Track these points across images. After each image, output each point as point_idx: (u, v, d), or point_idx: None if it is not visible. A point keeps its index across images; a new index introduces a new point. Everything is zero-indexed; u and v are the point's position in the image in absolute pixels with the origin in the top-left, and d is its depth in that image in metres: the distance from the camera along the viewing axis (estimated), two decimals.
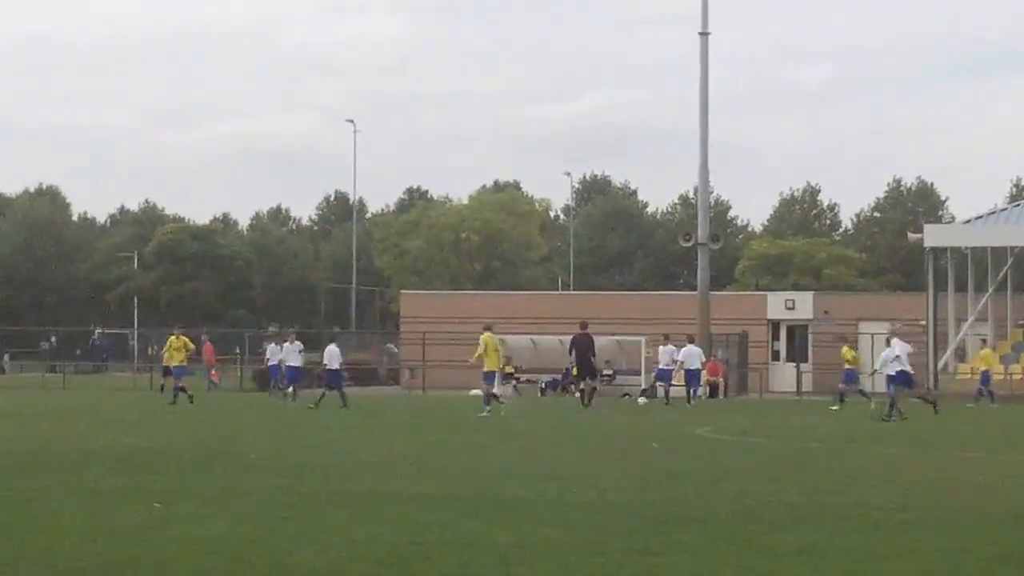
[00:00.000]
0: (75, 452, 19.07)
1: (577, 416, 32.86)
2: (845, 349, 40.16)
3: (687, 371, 40.58)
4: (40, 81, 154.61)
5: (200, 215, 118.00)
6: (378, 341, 73.41)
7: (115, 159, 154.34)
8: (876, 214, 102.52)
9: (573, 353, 37.13)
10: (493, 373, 33.76)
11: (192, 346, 39.55)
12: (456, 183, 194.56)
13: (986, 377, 41.75)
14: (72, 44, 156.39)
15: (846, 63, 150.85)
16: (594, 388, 36.99)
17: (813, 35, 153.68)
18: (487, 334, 33.98)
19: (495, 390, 33.60)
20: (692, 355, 40.74)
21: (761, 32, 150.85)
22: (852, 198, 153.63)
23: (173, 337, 38.25)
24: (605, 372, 51.19)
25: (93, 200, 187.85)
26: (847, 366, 39.40)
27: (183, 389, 36.18)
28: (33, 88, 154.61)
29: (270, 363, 43.67)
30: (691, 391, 40.50)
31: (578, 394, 37.37)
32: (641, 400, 42.77)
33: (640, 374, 49.48)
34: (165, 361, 38.29)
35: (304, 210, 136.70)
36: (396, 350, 63.69)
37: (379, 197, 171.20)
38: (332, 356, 37.15)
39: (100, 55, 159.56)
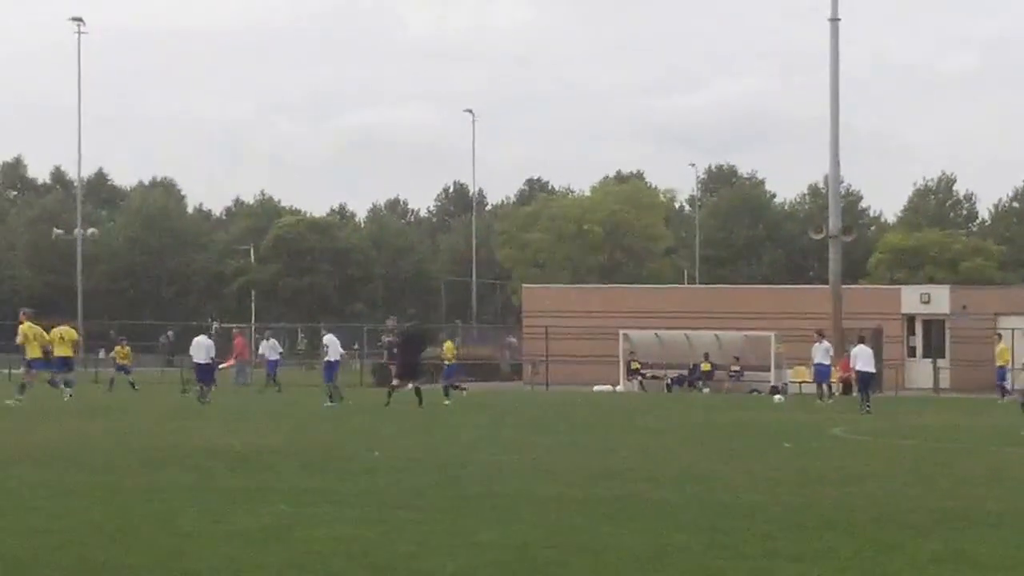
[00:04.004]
0: (196, 450, 19.02)
1: (707, 415, 32.37)
2: (448, 344, 39.57)
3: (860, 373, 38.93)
4: (155, 72, 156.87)
5: (317, 207, 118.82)
6: (499, 335, 73.27)
7: (229, 151, 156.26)
8: (1015, 204, 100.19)
9: (401, 351, 33.27)
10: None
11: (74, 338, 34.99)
12: (577, 175, 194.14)
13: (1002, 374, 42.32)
14: (191, 36, 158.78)
15: (985, 51, 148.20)
16: (419, 388, 32.25)
17: (951, 23, 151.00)
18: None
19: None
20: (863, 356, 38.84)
21: (898, 19, 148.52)
22: (989, 188, 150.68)
23: (65, 328, 34.43)
24: (733, 368, 50.56)
25: (208, 192, 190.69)
26: (447, 362, 39.65)
27: (52, 383, 32.83)
28: (148, 79, 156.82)
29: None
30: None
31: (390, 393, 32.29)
32: (777, 398, 42.05)
33: (770, 370, 48.67)
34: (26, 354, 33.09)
35: (422, 202, 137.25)
36: (518, 344, 63.53)
37: (499, 189, 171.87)
38: (199, 349, 35.11)
39: (218, 47, 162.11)
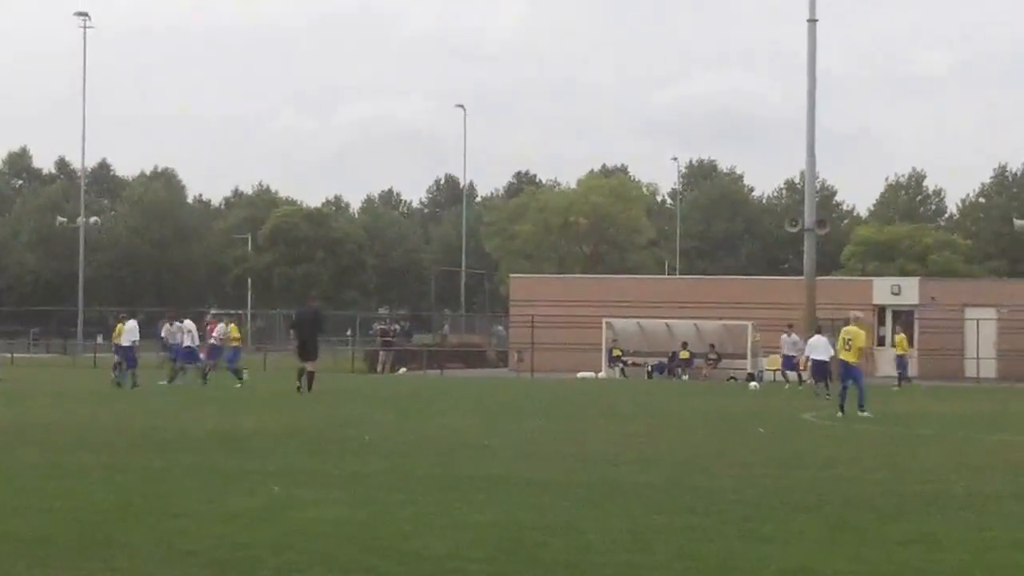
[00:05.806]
0: (192, 433, 19.33)
1: (685, 400, 32.78)
2: (232, 327, 39.78)
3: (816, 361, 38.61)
4: (158, 66, 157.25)
5: (312, 198, 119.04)
6: (487, 324, 73.76)
7: (228, 143, 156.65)
8: (981, 200, 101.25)
9: (298, 332, 32.37)
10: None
11: None
12: (564, 168, 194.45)
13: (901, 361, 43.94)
14: (193, 31, 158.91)
15: (956, 51, 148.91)
16: (312, 372, 31.33)
17: (923, 24, 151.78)
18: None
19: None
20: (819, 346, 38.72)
21: (872, 20, 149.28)
22: (957, 184, 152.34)
23: None
24: (710, 356, 51.08)
25: (207, 183, 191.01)
26: (234, 343, 39.43)
27: None
28: (151, 73, 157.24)
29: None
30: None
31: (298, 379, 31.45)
32: (752, 385, 42.53)
33: (746, 358, 49.20)
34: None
35: (415, 193, 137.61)
36: (505, 332, 64.07)
37: (489, 181, 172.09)
38: (126, 333, 35.44)
39: (218, 42, 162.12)
